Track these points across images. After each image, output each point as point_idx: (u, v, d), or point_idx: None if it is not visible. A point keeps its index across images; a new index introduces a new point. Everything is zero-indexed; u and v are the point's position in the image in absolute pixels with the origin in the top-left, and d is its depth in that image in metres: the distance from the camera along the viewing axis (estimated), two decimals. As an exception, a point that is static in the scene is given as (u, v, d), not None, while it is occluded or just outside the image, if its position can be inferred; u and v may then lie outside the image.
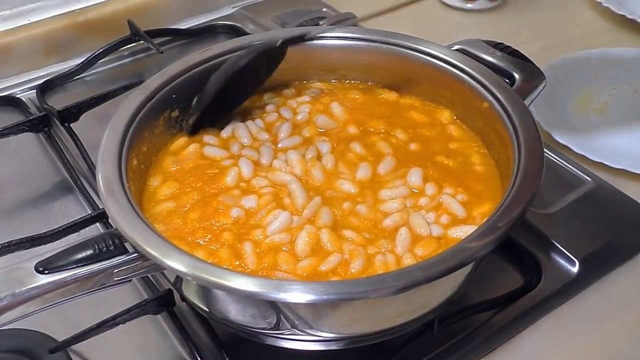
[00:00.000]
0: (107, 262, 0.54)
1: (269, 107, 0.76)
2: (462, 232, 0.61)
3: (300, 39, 0.76)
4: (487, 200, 0.65)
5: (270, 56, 0.74)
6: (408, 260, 0.59)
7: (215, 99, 0.71)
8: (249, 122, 0.74)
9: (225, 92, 0.71)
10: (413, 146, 0.71)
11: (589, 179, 0.79)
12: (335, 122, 0.74)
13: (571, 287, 0.69)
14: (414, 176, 0.66)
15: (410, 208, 0.64)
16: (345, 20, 1.04)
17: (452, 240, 0.60)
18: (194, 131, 0.72)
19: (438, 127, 0.73)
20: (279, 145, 0.71)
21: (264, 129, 0.73)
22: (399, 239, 0.60)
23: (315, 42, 0.78)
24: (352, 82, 0.80)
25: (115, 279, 0.55)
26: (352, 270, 0.58)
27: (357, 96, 0.78)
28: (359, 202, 0.64)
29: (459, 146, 0.71)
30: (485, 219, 0.58)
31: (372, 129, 0.73)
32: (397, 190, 0.65)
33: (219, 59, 0.74)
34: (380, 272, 0.57)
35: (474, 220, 0.63)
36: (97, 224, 0.75)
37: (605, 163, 0.81)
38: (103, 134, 0.64)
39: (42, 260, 0.53)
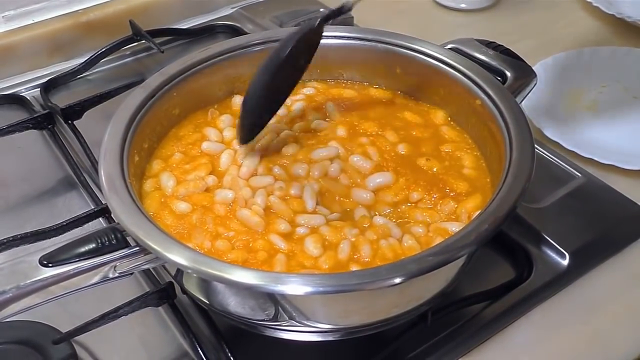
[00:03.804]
0: (109, 255, 0.55)
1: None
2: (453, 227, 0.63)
3: (338, 12, 0.69)
4: (476, 199, 0.66)
5: (308, 40, 0.69)
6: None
7: (262, 99, 0.68)
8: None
9: (270, 90, 0.68)
10: (401, 147, 0.71)
11: (579, 174, 0.81)
12: (327, 123, 0.74)
13: (561, 279, 0.71)
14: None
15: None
16: (341, 20, 1.04)
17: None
18: (248, 140, 0.70)
19: (431, 128, 0.74)
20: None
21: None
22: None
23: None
24: (348, 81, 0.81)
25: (118, 272, 0.56)
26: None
27: (352, 96, 0.79)
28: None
29: (451, 147, 0.72)
30: (478, 212, 0.59)
31: (362, 130, 0.73)
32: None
33: (219, 58, 0.76)
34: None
35: (459, 218, 0.64)
36: (100, 218, 0.76)
37: (595, 159, 0.82)
38: (105, 131, 0.65)
39: (46, 253, 0.54)
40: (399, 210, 0.65)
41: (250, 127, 0.69)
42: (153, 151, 0.71)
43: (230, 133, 0.73)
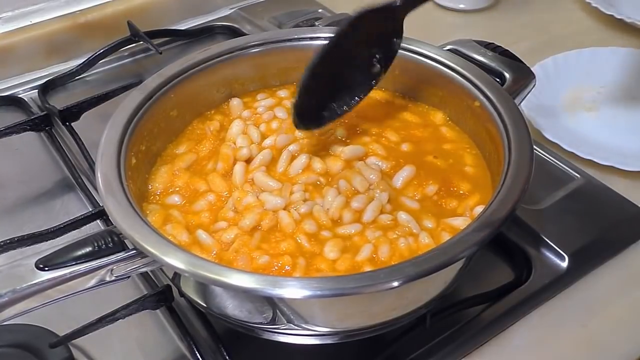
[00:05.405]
0: (106, 259, 0.55)
1: (260, 109, 0.77)
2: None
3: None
4: (477, 197, 0.66)
5: (383, 30, 0.69)
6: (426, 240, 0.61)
7: (320, 82, 0.67)
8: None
9: (323, 75, 0.68)
10: (405, 146, 0.71)
11: (578, 175, 0.80)
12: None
13: (560, 281, 0.70)
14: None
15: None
16: (340, 21, 1.04)
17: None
18: (301, 124, 0.69)
19: (430, 128, 0.74)
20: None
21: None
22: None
23: (310, 42, 0.78)
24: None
25: (114, 275, 0.56)
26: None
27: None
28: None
29: (451, 147, 0.72)
30: (477, 215, 0.59)
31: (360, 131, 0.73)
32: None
33: (217, 59, 0.76)
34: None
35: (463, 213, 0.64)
36: (98, 221, 0.76)
37: (594, 160, 0.81)
38: (103, 133, 0.65)
39: (43, 257, 0.54)
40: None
41: (303, 109, 0.68)
42: (156, 158, 0.72)
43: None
